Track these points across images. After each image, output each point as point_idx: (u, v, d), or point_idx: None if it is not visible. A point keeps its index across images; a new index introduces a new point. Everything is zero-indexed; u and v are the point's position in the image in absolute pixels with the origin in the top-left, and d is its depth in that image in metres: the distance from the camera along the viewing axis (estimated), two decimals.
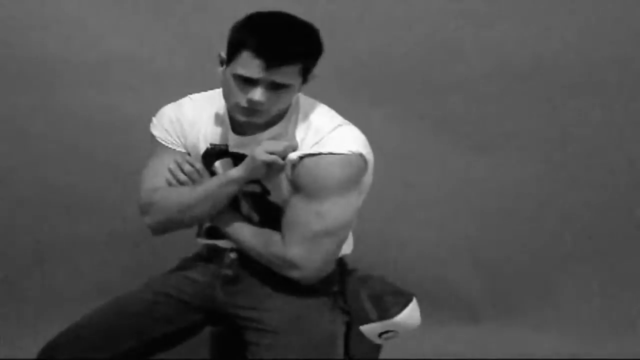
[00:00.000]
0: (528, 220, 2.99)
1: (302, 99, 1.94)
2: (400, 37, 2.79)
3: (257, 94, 1.77)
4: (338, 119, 1.92)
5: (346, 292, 2.00)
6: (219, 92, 1.95)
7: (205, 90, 2.05)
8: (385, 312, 1.95)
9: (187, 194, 1.93)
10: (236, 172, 1.89)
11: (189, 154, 2.00)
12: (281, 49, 1.75)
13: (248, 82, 1.78)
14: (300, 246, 1.86)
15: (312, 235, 1.85)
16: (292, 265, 1.87)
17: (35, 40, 2.71)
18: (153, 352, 1.99)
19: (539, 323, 2.96)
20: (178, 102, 2.04)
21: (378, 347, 2.03)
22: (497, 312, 2.98)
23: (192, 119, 1.99)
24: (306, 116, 1.91)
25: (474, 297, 2.96)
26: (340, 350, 1.93)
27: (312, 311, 1.94)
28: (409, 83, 2.83)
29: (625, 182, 2.96)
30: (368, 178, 1.92)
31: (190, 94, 2.06)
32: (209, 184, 1.92)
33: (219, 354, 2.21)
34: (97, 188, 2.84)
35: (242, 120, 1.84)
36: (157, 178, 1.98)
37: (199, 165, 1.98)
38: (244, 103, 1.79)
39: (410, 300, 1.98)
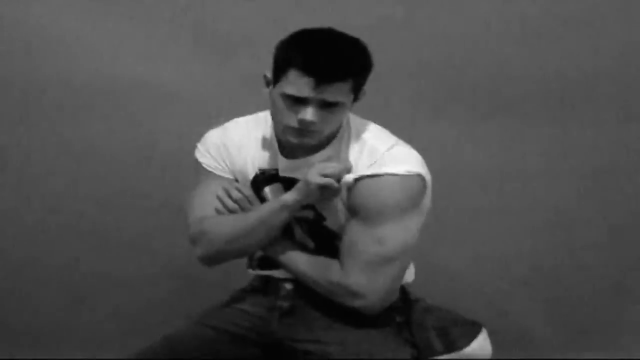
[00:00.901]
0: (594, 243, 2.80)
1: (352, 118, 1.86)
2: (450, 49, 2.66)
3: (309, 113, 1.69)
4: (393, 138, 1.84)
5: (411, 322, 1.90)
6: (263, 114, 1.90)
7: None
8: (453, 344, 1.86)
9: (238, 222, 1.85)
10: (289, 196, 1.80)
11: (236, 180, 1.92)
12: (331, 66, 1.68)
13: (298, 102, 1.70)
14: (362, 273, 1.77)
15: (374, 261, 1.76)
16: (354, 293, 1.78)
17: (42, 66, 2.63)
18: None
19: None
20: (222, 126, 1.97)
21: None
22: (565, 347, 2.79)
23: (239, 143, 1.92)
24: (358, 136, 1.83)
25: (538, 331, 2.78)
26: None
27: (377, 343, 1.83)
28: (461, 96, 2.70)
29: None
30: (427, 200, 1.82)
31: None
32: (261, 211, 1.83)
33: None
34: (128, 221, 2.75)
35: (293, 143, 1.76)
36: (205, 207, 1.90)
37: (247, 191, 1.89)
38: (294, 124, 1.71)
39: (479, 331, 1.88)
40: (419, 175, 1.76)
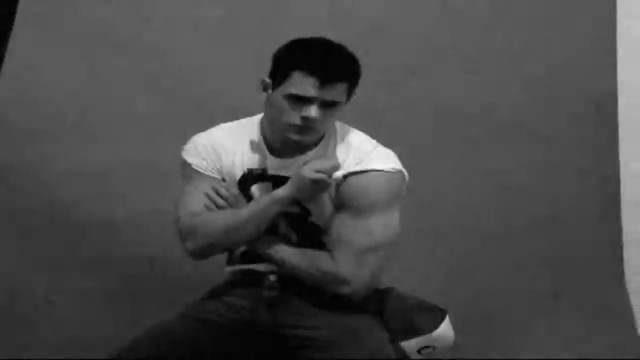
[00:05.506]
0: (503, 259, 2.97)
1: (336, 122, 1.92)
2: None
3: (313, 110, 1.76)
4: (373, 140, 1.92)
5: (385, 309, 1.95)
6: (247, 121, 1.95)
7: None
8: (423, 328, 1.92)
9: (232, 217, 1.86)
10: (283, 191, 1.84)
11: (224, 180, 1.93)
12: (333, 67, 1.76)
13: (301, 101, 1.76)
14: (350, 262, 1.82)
15: (362, 250, 1.82)
16: (343, 281, 1.82)
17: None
18: None
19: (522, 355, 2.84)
20: (208, 131, 1.99)
21: None
22: (483, 347, 2.83)
23: (226, 146, 1.94)
24: (344, 138, 1.90)
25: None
26: None
27: (363, 325, 1.88)
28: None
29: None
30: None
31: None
32: (255, 205, 1.86)
33: None
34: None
35: (293, 140, 1.81)
36: (194, 204, 1.91)
37: (235, 190, 1.91)
38: (297, 121, 1.77)
39: (444, 316, 1.94)
40: (401, 172, 1.85)
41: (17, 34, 2.24)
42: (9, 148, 2.70)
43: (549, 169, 2.99)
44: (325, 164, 1.81)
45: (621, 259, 3.03)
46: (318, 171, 1.79)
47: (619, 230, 3.03)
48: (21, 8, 2.26)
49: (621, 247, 3.04)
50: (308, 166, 1.81)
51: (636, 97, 3.04)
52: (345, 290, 1.83)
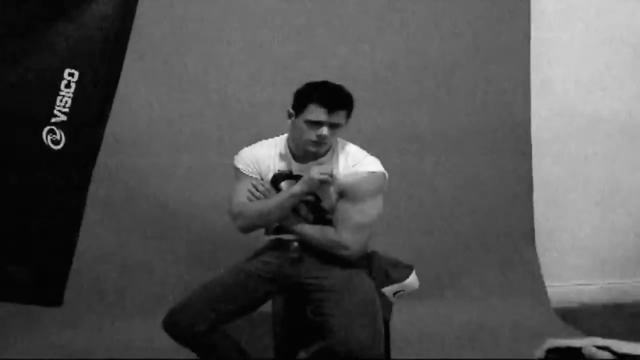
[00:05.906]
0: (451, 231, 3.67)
1: (338, 138, 2.47)
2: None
3: (324, 130, 2.31)
4: (364, 151, 2.48)
5: (372, 265, 2.50)
6: (278, 138, 2.51)
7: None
8: (398, 278, 2.48)
9: (265, 205, 2.42)
10: (298, 187, 2.40)
11: (261, 179, 2.49)
12: (337, 100, 2.32)
13: (316, 124, 2.31)
14: (349, 233, 2.36)
15: (357, 225, 2.37)
16: (343, 246, 2.37)
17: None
18: (246, 313, 2.46)
19: (463, 298, 3.60)
20: (251, 146, 2.55)
21: (391, 305, 2.53)
22: (436, 292, 3.55)
23: (264, 156, 2.50)
24: (344, 149, 2.46)
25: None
26: (379, 301, 2.40)
27: (357, 276, 2.42)
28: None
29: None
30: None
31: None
32: (280, 197, 2.41)
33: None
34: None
35: (310, 151, 2.36)
36: (241, 196, 2.48)
37: (269, 186, 2.48)
38: (314, 138, 2.33)
39: (412, 270, 2.52)
40: (383, 173, 2.42)
41: (125, 75, 2.83)
42: (118, 156, 3.30)
43: (480, 168, 3.69)
44: (328, 168, 2.36)
45: (532, 232, 3.74)
46: (323, 173, 2.34)
47: (530, 208, 3.75)
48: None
49: (532, 221, 3.73)
50: (315, 169, 2.36)
51: (542, 123, 3.74)
52: (345, 253, 2.38)
